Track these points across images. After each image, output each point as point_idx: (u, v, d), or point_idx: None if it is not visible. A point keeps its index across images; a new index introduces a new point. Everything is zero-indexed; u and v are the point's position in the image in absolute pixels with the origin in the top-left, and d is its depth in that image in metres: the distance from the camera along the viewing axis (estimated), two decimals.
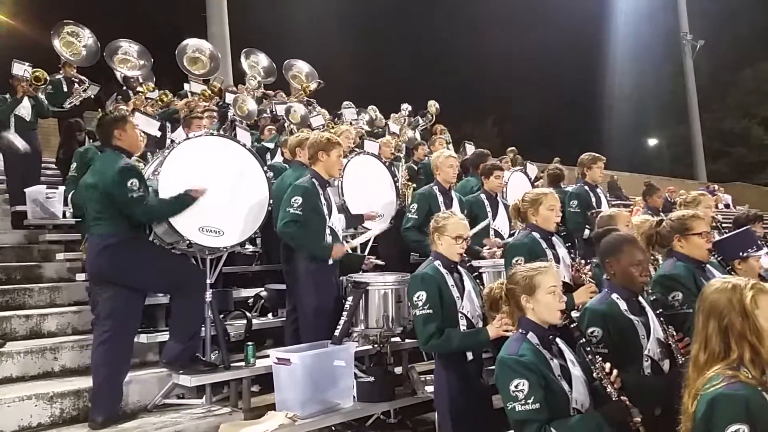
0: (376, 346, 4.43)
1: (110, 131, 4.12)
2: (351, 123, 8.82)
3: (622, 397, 2.45)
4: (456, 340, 3.21)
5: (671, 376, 2.78)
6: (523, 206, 3.97)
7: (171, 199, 4.08)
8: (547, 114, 34.75)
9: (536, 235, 3.88)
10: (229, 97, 8.78)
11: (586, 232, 5.66)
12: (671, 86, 34.08)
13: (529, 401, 2.36)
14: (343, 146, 4.68)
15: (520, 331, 2.58)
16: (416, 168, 8.14)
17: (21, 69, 7.53)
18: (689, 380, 2.09)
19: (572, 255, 3.92)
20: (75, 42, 8.71)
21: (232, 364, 4.22)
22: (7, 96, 7.71)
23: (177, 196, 4.09)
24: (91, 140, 7.25)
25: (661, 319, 2.90)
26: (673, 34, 31.04)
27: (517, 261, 3.69)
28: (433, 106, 11.83)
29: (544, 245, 3.85)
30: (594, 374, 2.52)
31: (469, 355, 3.33)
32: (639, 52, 34.62)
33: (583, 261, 3.73)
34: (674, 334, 2.86)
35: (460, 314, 3.31)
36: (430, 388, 4.36)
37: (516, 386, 2.38)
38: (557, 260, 3.75)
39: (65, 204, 6.65)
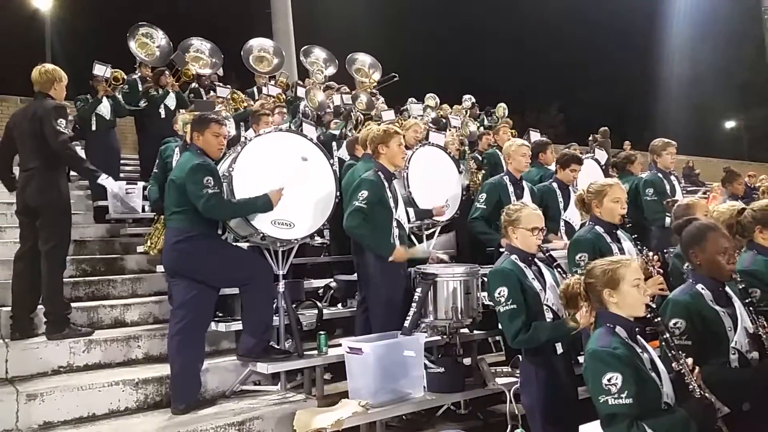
0: (444, 337, 4.44)
1: (190, 131, 4.28)
2: (417, 118, 8.81)
3: (706, 394, 2.36)
4: (545, 333, 3.11)
5: (760, 369, 2.67)
6: (588, 197, 3.83)
7: (248, 200, 4.12)
8: (615, 98, 33.54)
9: (599, 229, 3.74)
10: (300, 91, 8.93)
11: (667, 220, 5.45)
12: (751, 65, 32.22)
13: (623, 395, 2.30)
14: (402, 134, 4.65)
15: (608, 324, 2.51)
16: (480, 158, 8.05)
17: (102, 70, 7.92)
18: None
19: (639, 247, 3.74)
20: (149, 43, 9.09)
21: (305, 353, 4.32)
22: (88, 96, 8.14)
23: (255, 198, 4.12)
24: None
25: (750, 309, 2.78)
26: (753, 9, 29.30)
27: (580, 258, 3.60)
28: (501, 108, 11.66)
29: (609, 239, 3.71)
30: (674, 368, 2.44)
31: (559, 348, 3.21)
32: (716, 30, 32.85)
33: (651, 253, 3.60)
34: (765, 324, 2.73)
35: (545, 306, 3.21)
36: (500, 380, 4.32)
37: (609, 380, 2.32)
38: (622, 254, 3.59)
39: (144, 199, 6.97)
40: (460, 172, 5.88)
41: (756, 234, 3.24)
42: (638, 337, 2.54)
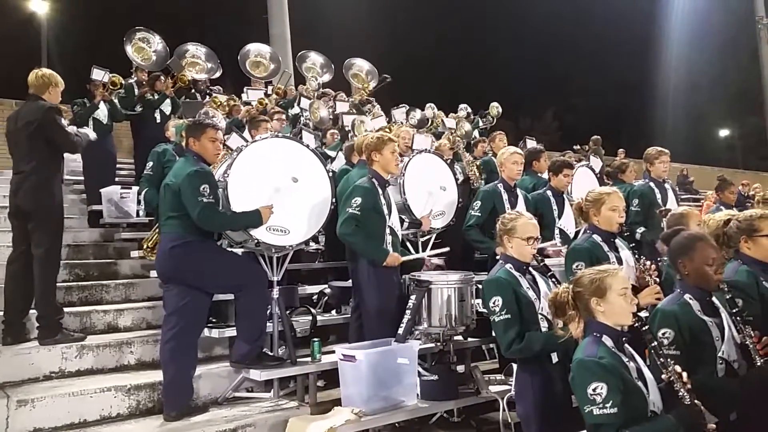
0: (438, 344, 4.44)
1: (186, 137, 4.28)
2: (402, 123, 8.79)
3: (695, 401, 2.37)
4: (538, 343, 3.11)
5: (747, 378, 2.69)
6: (586, 206, 3.84)
7: (240, 214, 4.13)
8: (611, 105, 33.70)
9: (597, 237, 3.75)
10: (304, 102, 8.91)
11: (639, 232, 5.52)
12: (745, 74, 32.46)
13: (608, 405, 2.31)
14: (395, 142, 4.68)
15: (594, 333, 2.52)
16: (476, 165, 8.05)
17: (100, 75, 7.89)
18: None
19: (636, 256, 3.75)
20: (146, 48, 9.08)
21: (298, 360, 4.31)
22: (85, 100, 8.11)
23: (247, 213, 4.13)
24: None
25: (737, 319, 2.79)
26: (747, 18, 29.53)
27: (577, 266, 3.58)
28: (495, 108, 11.58)
29: (606, 248, 3.71)
30: (664, 376, 2.45)
31: (554, 357, 3.20)
32: (710, 39, 33.07)
33: (648, 262, 3.61)
34: (752, 334, 2.75)
35: (540, 316, 3.22)
36: (494, 388, 4.33)
37: (594, 389, 2.34)
38: (620, 263, 3.61)
39: (138, 203, 6.95)
40: (456, 178, 5.87)
41: (741, 244, 3.25)
42: (626, 346, 2.55)
